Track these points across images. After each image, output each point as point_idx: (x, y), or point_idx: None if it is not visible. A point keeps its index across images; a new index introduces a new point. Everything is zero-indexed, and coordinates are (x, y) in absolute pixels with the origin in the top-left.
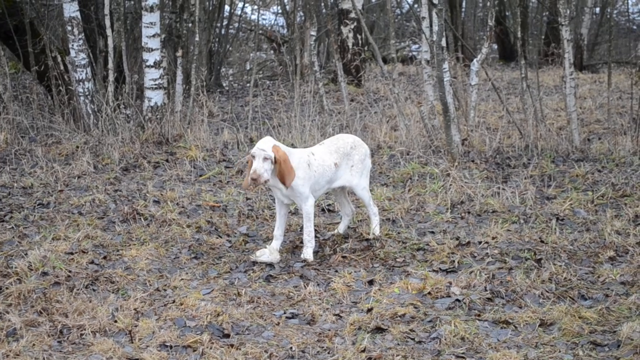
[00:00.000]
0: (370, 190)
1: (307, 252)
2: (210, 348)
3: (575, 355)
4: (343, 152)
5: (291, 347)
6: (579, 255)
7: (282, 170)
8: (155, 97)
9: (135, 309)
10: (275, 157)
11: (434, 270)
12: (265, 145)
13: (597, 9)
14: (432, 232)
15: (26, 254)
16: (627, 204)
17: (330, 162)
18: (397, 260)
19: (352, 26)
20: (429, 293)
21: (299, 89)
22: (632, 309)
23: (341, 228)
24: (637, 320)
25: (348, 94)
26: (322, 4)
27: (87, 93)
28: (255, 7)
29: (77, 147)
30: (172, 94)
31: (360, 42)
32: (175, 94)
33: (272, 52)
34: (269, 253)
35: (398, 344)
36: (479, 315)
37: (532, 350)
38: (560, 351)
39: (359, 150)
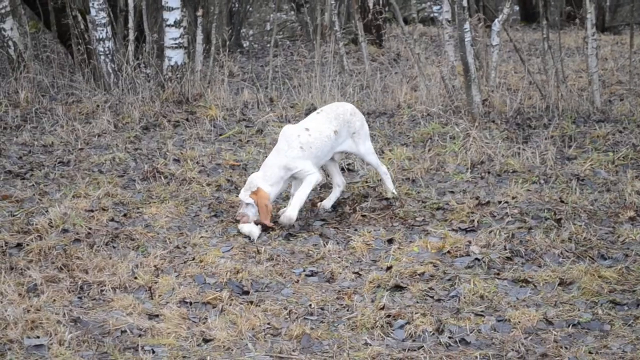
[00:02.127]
0: (390, 150)
1: (289, 213)
2: (230, 305)
3: (594, 314)
4: (343, 119)
5: (310, 305)
6: (599, 215)
7: (260, 210)
8: (175, 57)
9: (155, 266)
10: (255, 201)
11: (453, 230)
12: (245, 194)
13: None
14: (452, 192)
15: (47, 211)
16: None
17: (329, 131)
18: (417, 219)
19: None
20: (448, 252)
21: (319, 49)
22: None
23: (329, 201)
24: None
25: (368, 54)
26: None
27: (107, 52)
28: None
29: (98, 105)
30: (192, 54)
31: (381, 2)
32: (195, 53)
33: (292, 12)
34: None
35: (417, 302)
36: (498, 274)
37: (551, 309)
38: (579, 310)
39: (358, 117)
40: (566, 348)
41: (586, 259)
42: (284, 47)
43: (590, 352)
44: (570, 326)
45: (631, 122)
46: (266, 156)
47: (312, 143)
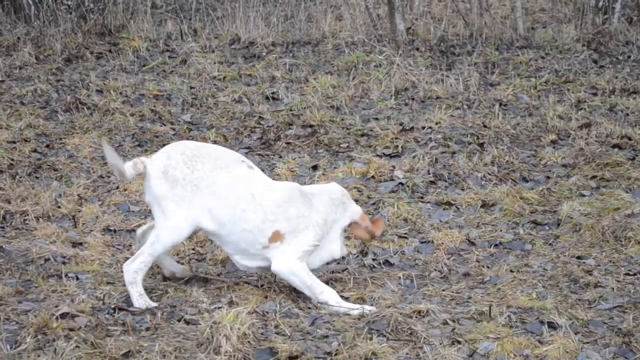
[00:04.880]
0: (315, 79)
1: None
2: None
3: (516, 234)
4: None
5: None
6: (522, 139)
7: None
8: None
9: (78, 195)
10: None
11: (377, 155)
12: None
13: None
14: (376, 119)
15: None
16: (570, 90)
17: None
18: (341, 145)
19: None
20: (373, 177)
21: None
22: (573, 190)
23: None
24: (577, 200)
25: None
26: None
27: None
28: None
29: (19, 38)
30: None
31: None
32: None
33: None
34: None
35: None
36: (421, 198)
37: (474, 230)
38: (501, 230)
39: None
40: (488, 267)
41: (508, 181)
42: None
43: (511, 271)
44: (492, 246)
45: (553, 48)
46: (190, 87)
47: None
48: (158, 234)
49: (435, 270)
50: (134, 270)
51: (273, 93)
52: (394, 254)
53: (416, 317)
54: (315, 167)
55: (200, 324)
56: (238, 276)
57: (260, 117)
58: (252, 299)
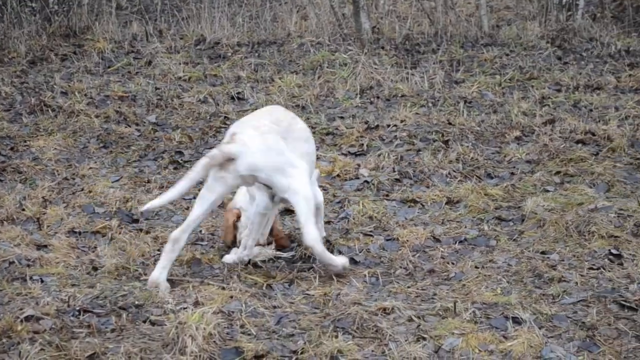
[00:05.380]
0: (280, 79)
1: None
2: (120, 233)
3: (480, 230)
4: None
5: (200, 231)
6: (486, 136)
7: None
8: None
9: (43, 198)
10: None
11: (342, 154)
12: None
13: None
14: (342, 117)
15: None
16: (534, 86)
17: None
18: None
19: None
20: (338, 175)
21: None
22: (537, 186)
23: None
24: (541, 195)
25: None
26: None
27: None
28: None
29: None
30: None
31: None
32: None
33: None
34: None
35: None
36: (387, 196)
37: (439, 227)
38: (466, 227)
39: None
40: (453, 264)
41: (473, 178)
42: None
43: (476, 267)
44: (457, 243)
45: (518, 46)
46: (155, 87)
47: None
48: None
49: (401, 267)
50: (317, 238)
51: (238, 93)
52: (359, 252)
53: (381, 315)
54: None
55: (165, 325)
56: (203, 276)
57: (225, 117)
58: (218, 299)
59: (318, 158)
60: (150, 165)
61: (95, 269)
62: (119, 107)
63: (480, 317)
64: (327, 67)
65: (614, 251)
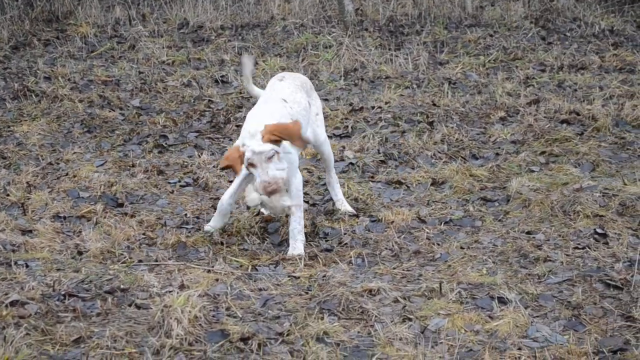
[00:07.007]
0: (264, 61)
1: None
2: (104, 217)
3: (466, 211)
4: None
5: (186, 214)
6: (471, 117)
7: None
8: None
9: (27, 183)
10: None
11: (328, 136)
12: (257, 144)
13: None
14: (326, 99)
15: None
16: (518, 67)
17: (305, 101)
18: None
19: None
20: None
21: None
22: (522, 166)
23: None
24: (526, 175)
25: None
26: None
27: None
28: None
29: None
30: None
31: None
32: None
33: None
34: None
35: None
36: (372, 177)
37: (424, 208)
38: (451, 208)
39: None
40: (438, 244)
41: (458, 159)
42: None
43: (462, 248)
44: (443, 224)
45: (501, 26)
46: (139, 72)
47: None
48: None
49: (386, 248)
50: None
51: (222, 76)
52: (345, 233)
53: (367, 296)
54: None
55: (151, 308)
56: (189, 259)
57: (209, 100)
58: (203, 282)
59: None
60: (135, 149)
61: (80, 253)
62: (103, 92)
63: (466, 298)
64: (311, 50)
65: (599, 230)
